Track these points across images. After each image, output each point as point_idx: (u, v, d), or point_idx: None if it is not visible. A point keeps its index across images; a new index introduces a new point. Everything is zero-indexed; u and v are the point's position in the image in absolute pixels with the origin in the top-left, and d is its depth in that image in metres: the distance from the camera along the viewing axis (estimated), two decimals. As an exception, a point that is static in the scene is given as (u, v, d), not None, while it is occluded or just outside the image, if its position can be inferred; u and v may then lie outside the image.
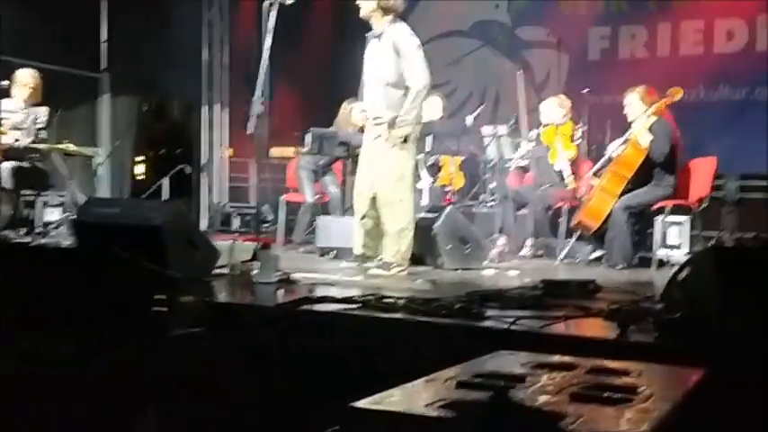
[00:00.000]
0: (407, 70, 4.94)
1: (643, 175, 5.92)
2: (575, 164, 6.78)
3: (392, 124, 4.95)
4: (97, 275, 2.55)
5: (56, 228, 6.35)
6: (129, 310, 2.49)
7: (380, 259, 5.07)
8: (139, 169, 11.07)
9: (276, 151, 7.93)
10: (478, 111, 7.57)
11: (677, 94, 5.94)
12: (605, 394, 1.70)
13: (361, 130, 6.16)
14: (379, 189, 5.04)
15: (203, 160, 10.85)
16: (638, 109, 6.00)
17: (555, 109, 6.90)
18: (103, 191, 9.49)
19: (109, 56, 9.68)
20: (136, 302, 2.52)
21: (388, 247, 5.03)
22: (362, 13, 5.05)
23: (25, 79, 6.59)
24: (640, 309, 3.40)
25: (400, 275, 4.92)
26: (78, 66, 9.39)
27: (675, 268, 5.49)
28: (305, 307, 3.29)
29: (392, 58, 4.97)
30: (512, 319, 2.95)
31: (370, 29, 5.15)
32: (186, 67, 10.04)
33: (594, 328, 3.09)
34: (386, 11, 5.00)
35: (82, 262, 2.69)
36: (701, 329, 2.78)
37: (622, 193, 5.88)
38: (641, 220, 6.00)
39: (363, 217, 5.15)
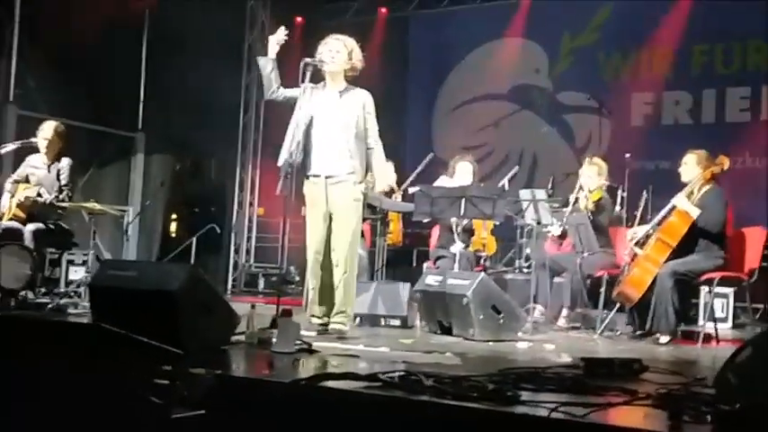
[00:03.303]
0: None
1: (689, 245, 5.61)
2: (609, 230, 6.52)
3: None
4: (89, 351, 2.34)
5: (77, 287, 6.20)
6: (121, 389, 2.27)
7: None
8: (172, 228, 11.05)
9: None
10: (513, 172, 7.37)
11: (724, 163, 5.68)
12: None
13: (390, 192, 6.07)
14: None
15: (234, 220, 10.81)
16: (693, 172, 5.73)
17: (595, 176, 6.65)
18: (132, 250, 9.44)
19: (145, 116, 9.76)
20: (128, 381, 2.30)
21: None
22: (334, 68, 5.05)
23: (45, 131, 6.54)
24: (691, 394, 3.10)
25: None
26: (116, 125, 9.49)
27: (723, 345, 5.27)
28: (325, 383, 3.03)
29: (361, 115, 5.07)
30: (551, 406, 2.66)
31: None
32: (221, 127, 10.10)
33: (642, 417, 2.79)
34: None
35: (70, 336, 2.49)
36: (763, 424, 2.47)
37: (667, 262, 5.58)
38: (687, 289, 5.68)
39: None
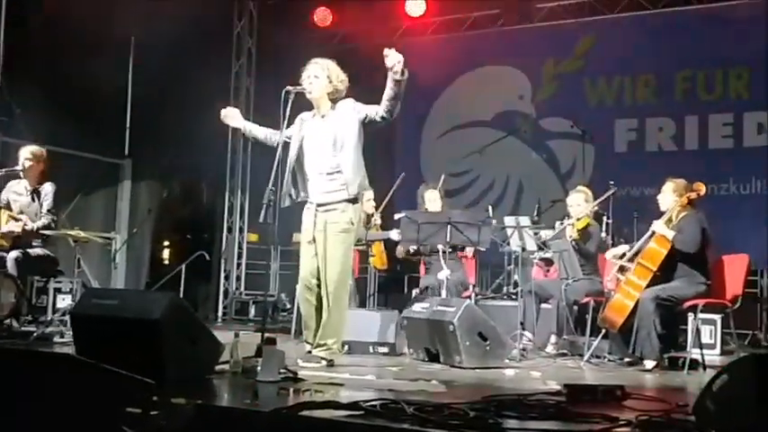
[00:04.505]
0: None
1: (671, 271, 5.65)
2: (597, 257, 6.56)
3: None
4: (62, 382, 2.33)
5: (62, 315, 6.16)
6: (93, 419, 2.26)
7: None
8: (164, 254, 11.03)
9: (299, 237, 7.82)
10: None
11: (700, 189, 5.76)
12: None
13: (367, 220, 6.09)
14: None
15: (223, 246, 10.77)
16: (670, 199, 5.81)
17: (582, 203, 6.71)
18: (120, 277, 9.41)
19: (131, 142, 9.76)
20: (100, 411, 2.30)
21: None
22: (315, 94, 5.07)
23: (23, 155, 6.52)
24: (671, 421, 3.12)
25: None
26: (102, 152, 9.48)
27: (708, 371, 5.28)
28: (305, 412, 3.03)
29: (348, 121, 5.04)
30: (530, 434, 2.68)
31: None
32: (212, 152, 10.10)
33: (621, 444, 2.80)
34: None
35: (44, 366, 2.48)
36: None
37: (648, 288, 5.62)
38: (671, 315, 5.70)
39: None
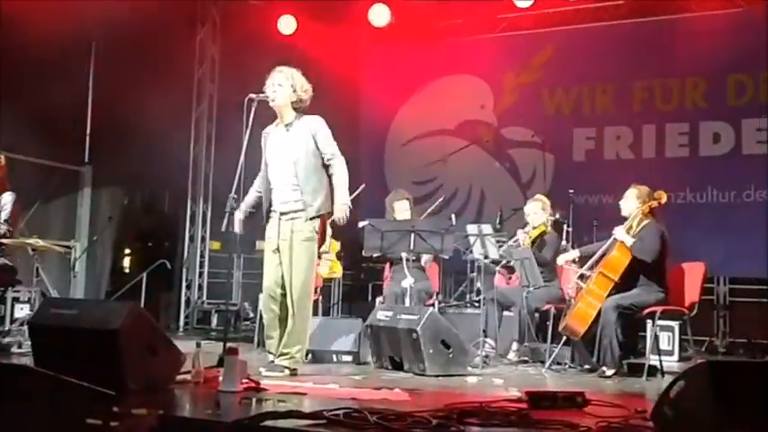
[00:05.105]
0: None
1: (632, 279, 5.74)
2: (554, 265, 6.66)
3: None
4: (20, 394, 2.30)
5: (20, 325, 6.05)
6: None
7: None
8: (125, 263, 10.88)
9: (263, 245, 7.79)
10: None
11: (662, 197, 5.85)
12: None
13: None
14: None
15: (185, 255, 10.64)
16: (633, 206, 5.89)
17: (539, 211, 6.80)
18: (80, 286, 9.27)
19: (92, 148, 9.63)
20: (59, 423, 2.27)
21: None
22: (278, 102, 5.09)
23: None
24: (630, 427, 3.18)
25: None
26: (62, 159, 9.34)
27: (666, 377, 5.37)
28: (268, 423, 3.02)
29: (311, 143, 5.08)
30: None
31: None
32: (174, 160, 10.00)
33: (581, 450, 2.84)
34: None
35: (1, 377, 2.44)
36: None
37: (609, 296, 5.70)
38: (631, 323, 5.79)
39: None
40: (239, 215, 5.18)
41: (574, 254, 6.19)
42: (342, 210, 5.01)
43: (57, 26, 7.84)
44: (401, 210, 7.06)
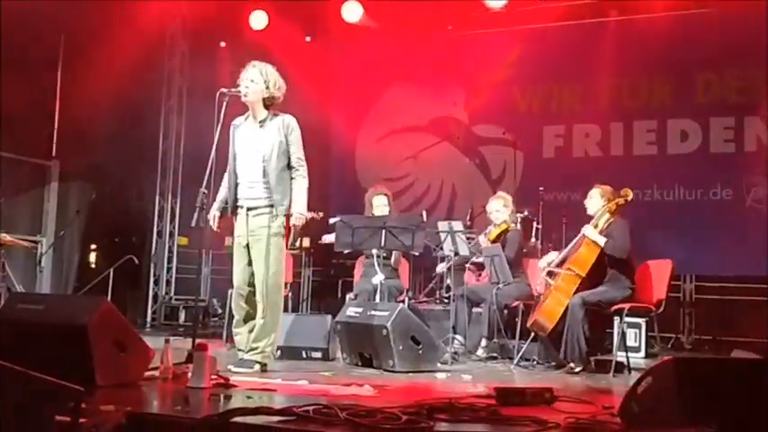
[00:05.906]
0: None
1: (599, 276, 5.80)
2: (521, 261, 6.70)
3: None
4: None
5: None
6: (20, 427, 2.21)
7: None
8: (91, 258, 10.74)
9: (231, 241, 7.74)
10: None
11: (628, 194, 5.92)
12: None
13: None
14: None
15: (153, 250, 10.56)
16: (598, 205, 5.96)
17: (501, 209, 6.85)
18: (47, 281, 9.15)
19: (59, 142, 9.51)
20: (30, 422, 2.24)
21: None
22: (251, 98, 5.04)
23: None
24: (598, 423, 3.21)
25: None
26: (28, 152, 9.21)
27: (633, 374, 5.44)
28: (237, 419, 3.01)
29: (282, 142, 5.06)
30: (460, 437, 2.72)
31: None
32: (142, 154, 9.91)
33: (549, 445, 2.87)
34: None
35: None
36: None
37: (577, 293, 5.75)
38: (599, 320, 5.85)
39: None
40: (215, 212, 5.14)
41: (553, 256, 6.19)
42: (299, 219, 5.02)
43: (24, 19, 7.73)
44: (380, 205, 7.04)
